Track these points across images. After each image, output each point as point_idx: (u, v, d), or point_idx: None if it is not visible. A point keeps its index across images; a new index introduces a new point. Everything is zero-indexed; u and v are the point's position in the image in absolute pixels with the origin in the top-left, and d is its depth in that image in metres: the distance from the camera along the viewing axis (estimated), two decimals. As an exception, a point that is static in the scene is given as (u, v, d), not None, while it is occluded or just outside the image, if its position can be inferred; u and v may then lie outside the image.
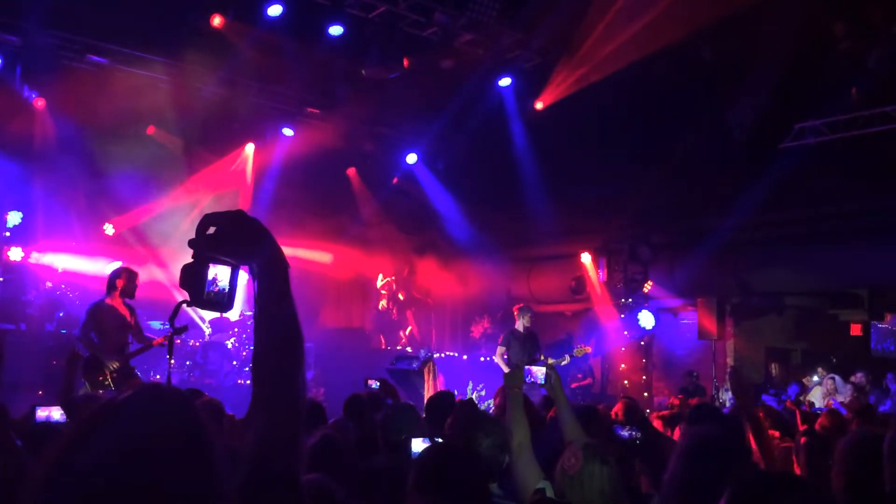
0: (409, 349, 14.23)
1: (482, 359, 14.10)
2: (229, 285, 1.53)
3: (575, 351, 11.41)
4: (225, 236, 1.50)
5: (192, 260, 1.51)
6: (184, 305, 1.59)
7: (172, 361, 6.83)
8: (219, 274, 1.52)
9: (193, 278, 1.50)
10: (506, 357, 10.61)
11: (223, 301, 1.53)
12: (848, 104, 11.84)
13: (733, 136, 12.29)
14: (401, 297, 15.68)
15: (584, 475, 3.06)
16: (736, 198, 12.01)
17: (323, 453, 3.38)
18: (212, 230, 1.50)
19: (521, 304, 11.47)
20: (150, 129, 12.54)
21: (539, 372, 4.12)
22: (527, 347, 10.55)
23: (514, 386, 3.97)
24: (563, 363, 10.75)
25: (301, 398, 1.53)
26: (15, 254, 11.26)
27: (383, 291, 15.36)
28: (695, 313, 14.48)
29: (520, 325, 10.79)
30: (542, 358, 10.48)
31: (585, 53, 12.02)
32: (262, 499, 1.42)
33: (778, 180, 11.72)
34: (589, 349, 11.90)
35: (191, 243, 1.50)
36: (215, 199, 13.39)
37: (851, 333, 13.80)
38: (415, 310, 15.83)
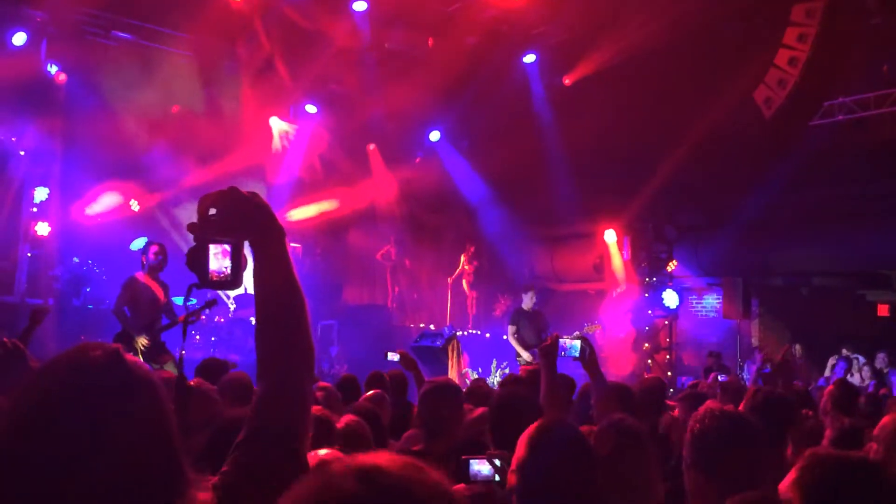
0: (432, 326, 14.23)
1: (504, 337, 14.07)
2: (232, 263, 1.57)
3: (586, 328, 11.42)
4: (216, 215, 1.54)
5: (194, 243, 1.58)
6: (194, 287, 1.63)
7: (184, 351, 6.83)
8: (220, 253, 1.57)
9: (196, 261, 1.57)
10: (517, 336, 10.61)
11: (227, 280, 1.58)
12: (879, 81, 11.63)
13: (761, 113, 12.11)
14: (467, 267, 15.61)
15: (615, 456, 2.95)
16: (762, 176, 11.83)
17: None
18: (212, 211, 1.55)
19: (526, 283, 11.55)
20: (175, 108, 12.51)
21: (573, 346, 4.03)
22: (537, 325, 10.62)
23: (549, 361, 3.91)
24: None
25: (303, 361, 1.57)
26: (42, 229, 11.34)
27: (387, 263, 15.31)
28: (720, 293, 14.36)
29: (527, 303, 10.80)
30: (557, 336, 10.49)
31: (612, 29, 11.86)
32: (257, 458, 1.46)
33: (805, 158, 11.54)
34: (599, 326, 11.92)
35: (189, 227, 1.56)
36: (240, 175, 13.30)
37: (878, 314, 13.61)
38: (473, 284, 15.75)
